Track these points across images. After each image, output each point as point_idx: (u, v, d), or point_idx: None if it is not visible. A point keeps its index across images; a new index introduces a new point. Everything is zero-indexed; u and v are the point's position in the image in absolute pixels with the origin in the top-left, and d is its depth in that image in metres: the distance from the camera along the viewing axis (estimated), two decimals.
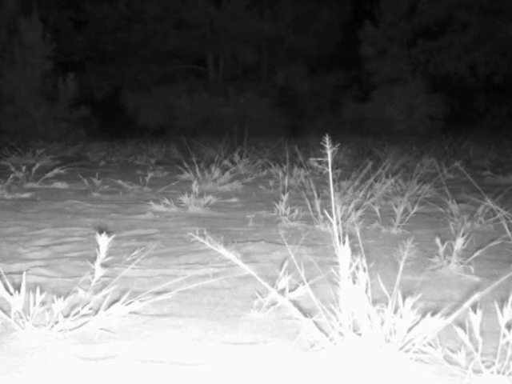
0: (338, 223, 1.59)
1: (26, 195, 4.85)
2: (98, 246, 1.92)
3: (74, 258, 2.72)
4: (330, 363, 1.52)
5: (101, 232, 1.97)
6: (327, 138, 1.63)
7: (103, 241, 1.91)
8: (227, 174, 5.64)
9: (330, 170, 1.68)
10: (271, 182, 5.26)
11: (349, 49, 17.72)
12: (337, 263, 1.55)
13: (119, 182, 5.40)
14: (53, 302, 1.74)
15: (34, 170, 5.54)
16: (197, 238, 1.86)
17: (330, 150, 1.62)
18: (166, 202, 4.18)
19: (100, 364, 1.52)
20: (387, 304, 1.55)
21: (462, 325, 1.53)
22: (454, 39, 17.02)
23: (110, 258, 2.08)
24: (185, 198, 4.21)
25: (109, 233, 2.06)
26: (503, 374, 1.40)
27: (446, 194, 3.81)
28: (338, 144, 2.19)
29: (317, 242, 3.11)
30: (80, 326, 1.75)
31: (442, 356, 1.48)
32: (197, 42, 18.21)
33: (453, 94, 17.11)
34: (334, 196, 3.40)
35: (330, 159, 1.62)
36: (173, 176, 6.25)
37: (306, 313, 1.72)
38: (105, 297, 1.87)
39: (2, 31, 14.25)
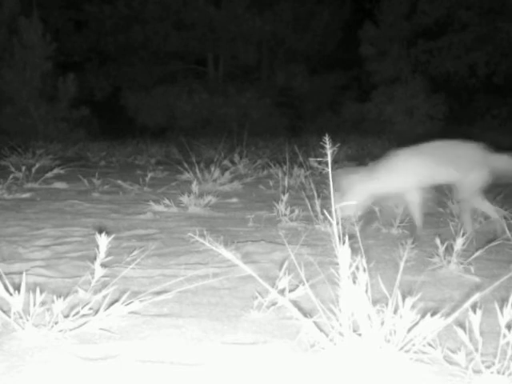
0: (337, 223, 1.59)
1: (26, 195, 4.85)
2: (97, 246, 1.93)
3: (74, 258, 2.72)
4: (330, 363, 1.52)
5: (100, 232, 1.97)
6: (327, 138, 1.63)
7: (103, 241, 1.91)
8: (227, 174, 5.64)
9: (329, 169, 1.68)
10: (271, 182, 5.26)
11: (349, 49, 17.72)
12: (337, 263, 1.55)
13: (119, 182, 5.40)
14: (53, 302, 1.74)
15: (33, 170, 5.54)
16: (197, 238, 1.86)
17: (329, 150, 1.62)
18: (166, 202, 4.18)
19: (100, 364, 1.52)
20: (387, 304, 1.55)
21: (462, 325, 1.53)
22: (454, 39, 17.01)
23: (110, 258, 2.08)
24: (185, 198, 4.21)
25: (109, 233, 2.06)
26: (503, 374, 1.40)
27: (446, 194, 3.81)
28: (338, 144, 2.19)
29: (317, 242, 3.11)
30: (80, 326, 1.75)
31: (442, 356, 1.48)
32: (197, 42, 18.19)
33: (453, 94, 17.11)
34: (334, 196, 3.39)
35: (329, 159, 1.63)
36: (173, 176, 6.24)
37: (305, 313, 1.72)
38: (105, 297, 1.87)
39: (2, 31, 14.24)
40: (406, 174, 3.08)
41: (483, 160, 3.08)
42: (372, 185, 3.07)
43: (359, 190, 3.04)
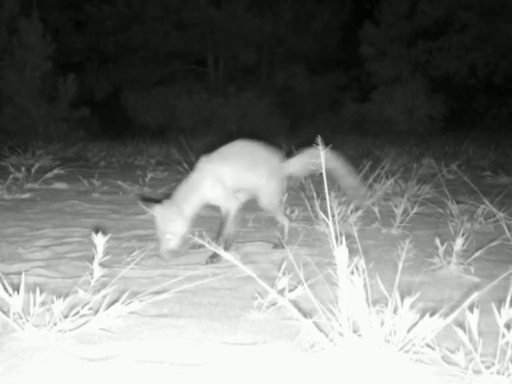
0: (336, 223, 1.59)
1: (26, 196, 4.84)
2: (96, 246, 1.93)
3: (73, 258, 2.72)
4: (329, 364, 1.52)
5: (97, 232, 1.97)
6: (321, 139, 1.64)
7: (99, 240, 1.92)
8: None
9: (323, 170, 1.68)
10: None
11: (349, 49, 17.73)
12: (335, 264, 1.55)
13: (119, 182, 5.40)
14: (52, 302, 1.74)
15: (33, 170, 5.54)
16: (196, 238, 1.86)
17: (323, 151, 1.63)
18: None
19: (100, 364, 1.52)
20: (387, 304, 1.55)
21: (461, 325, 1.53)
22: (454, 39, 17.03)
23: (110, 259, 2.08)
24: None
25: (108, 233, 2.06)
26: (503, 374, 1.40)
27: (445, 194, 3.81)
28: (331, 145, 2.20)
29: (316, 242, 3.11)
30: (80, 326, 1.75)
31: (442, 356, 1.48)
32: (197, 43, 18.21)
33: (453, 94, 17.12)
34: (334, 197, 3.39)
35: (323, 160, 1.63)
36: (173, 176, 6.24)
37: (305, 313, 1.73)
38: (104, 297, 1.88)
39: (1, 32, 14.25)
40: (212, 185, 2.87)
41: (279, 167, 2.92)
42: (187, 210, 2.80)
43: (177, 221, 2.71)
